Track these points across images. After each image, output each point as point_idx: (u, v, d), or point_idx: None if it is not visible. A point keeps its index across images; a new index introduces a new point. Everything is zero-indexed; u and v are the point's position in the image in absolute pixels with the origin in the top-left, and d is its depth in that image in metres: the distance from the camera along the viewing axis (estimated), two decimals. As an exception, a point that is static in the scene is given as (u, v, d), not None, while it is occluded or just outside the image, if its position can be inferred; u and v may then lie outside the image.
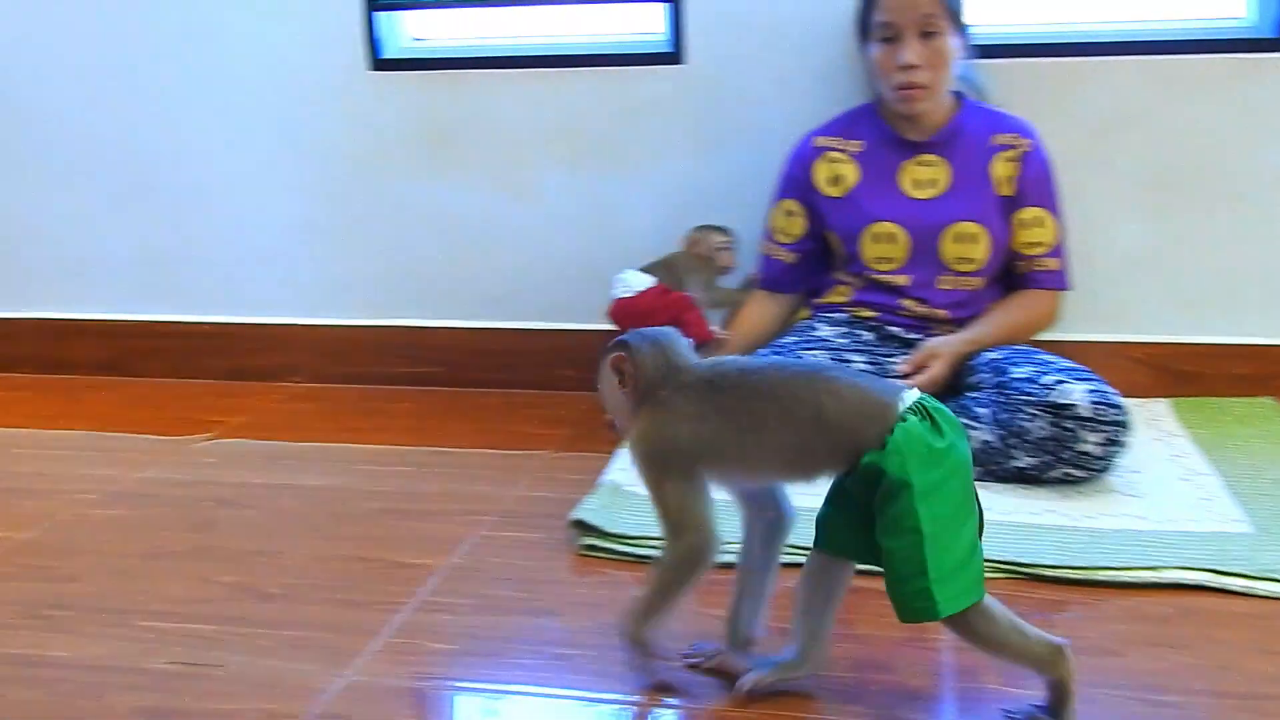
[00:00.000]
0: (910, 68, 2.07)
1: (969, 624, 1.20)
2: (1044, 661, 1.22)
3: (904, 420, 1.19)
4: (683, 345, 1.31)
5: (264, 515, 1.92)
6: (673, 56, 2.39)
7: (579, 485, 1.97)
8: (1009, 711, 1.26)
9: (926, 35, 2.07)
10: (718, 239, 2.33)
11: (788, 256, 2.26)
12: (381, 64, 2.48)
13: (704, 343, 2.22)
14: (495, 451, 2.20)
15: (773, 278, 2.28)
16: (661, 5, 2.40)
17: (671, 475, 1.26)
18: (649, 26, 2.44)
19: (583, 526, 1.76)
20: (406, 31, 2.54)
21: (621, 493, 1.87)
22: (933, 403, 1.23)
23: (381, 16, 2.47)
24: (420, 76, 2.49)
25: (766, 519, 1.34)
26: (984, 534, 1.23)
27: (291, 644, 1.49)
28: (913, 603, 1.19)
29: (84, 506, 1.96)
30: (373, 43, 2.47)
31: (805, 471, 1.24)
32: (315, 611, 1.57)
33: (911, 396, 1.22)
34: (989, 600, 1.21)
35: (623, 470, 1.96)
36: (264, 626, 1.54)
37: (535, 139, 2.48)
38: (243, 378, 2.68)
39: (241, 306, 2.67)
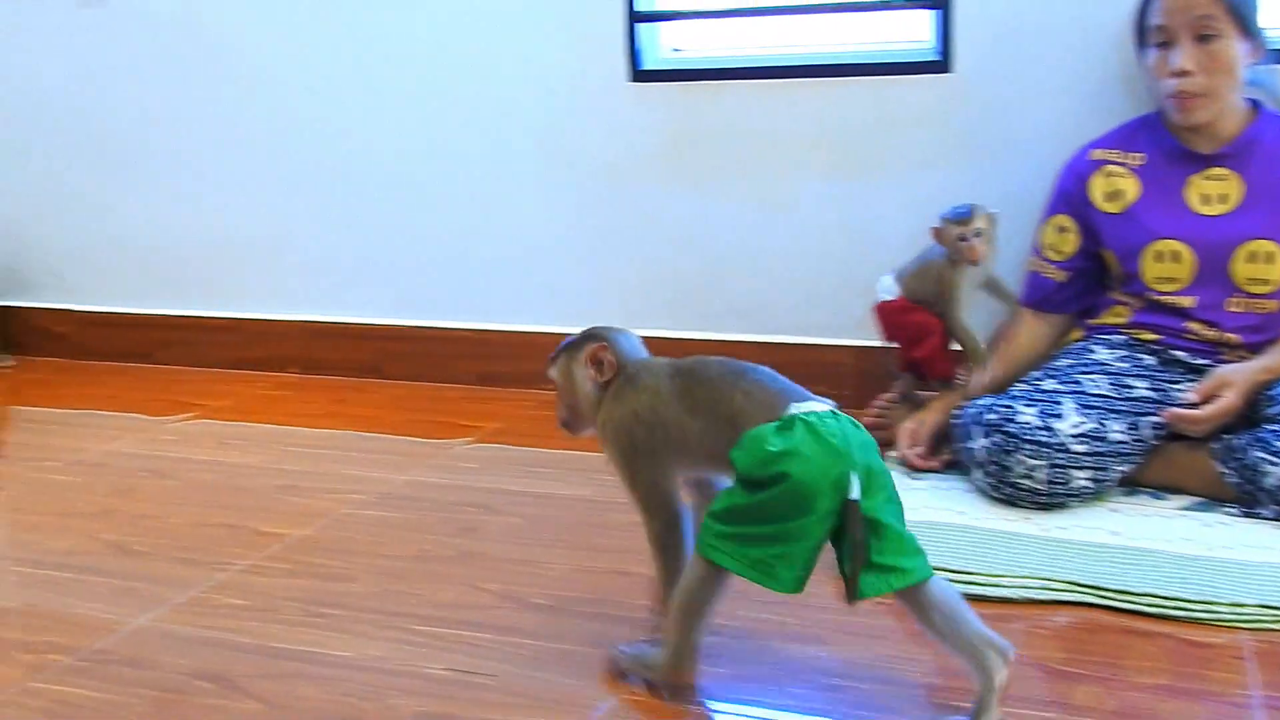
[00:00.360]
0: (1183, 74, 1.94)
1: (700, 571, 1.30)
2: (682, 660, 1.35)
3: (783, 421, 1.25)
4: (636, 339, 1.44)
5: (525, 523, 1.94)
6: (940, 65, 2.31)
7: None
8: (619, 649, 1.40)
9: (1203, 39, 1.94)
10: (963, 229, 2.05)
11: (1058, 275, 2.15)
12: (641, 75, 2.49)
13: (942, 378, 2.13)
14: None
15: (1041, 297, 2.18)
16: (928, 12, 2.32)
17: (639, 458, 1.36)
18: (914, 34, 2.37)
19: (848, 551, 1.71)
20: (665, 43, 2.54)
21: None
22: (825, 418, 1.26)
23: (642, 28, 2.48)
24: (678, 87, 2.49)
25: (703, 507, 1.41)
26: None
27: (560, 657, 1.49)
28: (698, 536, 1.32)
29: (354, 506, 2.02)
30: (633, 54, 2.48)
31: (720, 464, 1.32)
32: (580, 625, 1.57)
33: (815, 406, 1.28)
34: (724, 584, 1.30)
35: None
36: (532, 638, 1.54)
37: (792, 150, 2.44)
38: (495, 383, 2.73)
39: (495, 313, 2.72)
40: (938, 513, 1.84)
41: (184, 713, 1.39)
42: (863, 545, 1.24)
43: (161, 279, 3.01)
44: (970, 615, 1.28)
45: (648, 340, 2.57)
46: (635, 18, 2.47)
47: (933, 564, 1.29)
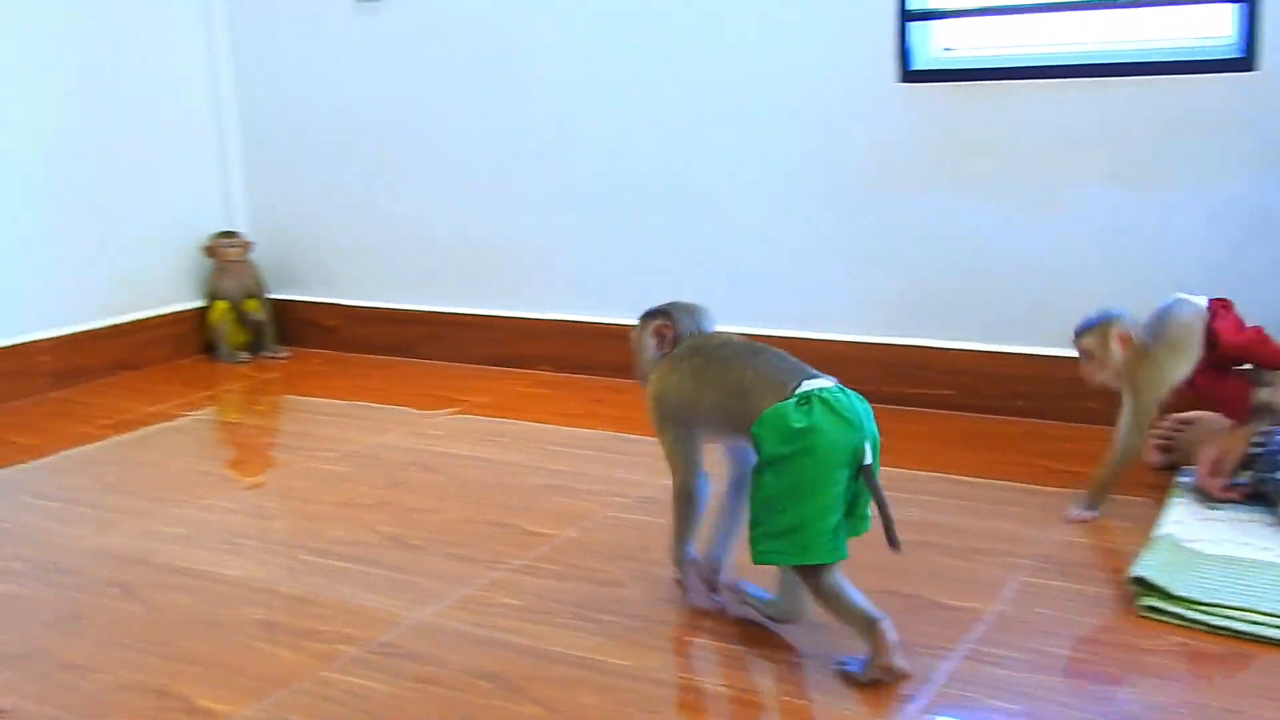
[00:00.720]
0: None
1: (809, 580, 1.43)
2: (861, 627, 1.42)
3: (793, 398, 1.40)
4: (707, 317, 1.62)
5: (449, 480, 1.92)
6: (1243, 63, 2.16)
7: (1124, 534, 1.82)
8: (840, 661, 1.45)
9: None
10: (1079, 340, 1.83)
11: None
12: (911, 75, 2.42)
13: (1242, 418, 1.91)
14: (1018, 486, 2.08)
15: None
16: (1230, 6, 2.17)
17: (667, 423, 1.58)
18: (1210, 30, 2.23)
19: (1144, 585, 1.61)
20: (936, 42, 2.46)
21: (1182, 549, 1.70)
22: (836, 393, 1.41)
23: (913, 27, 2.41)
24: (949, 88, 2.41)
25: (737, 473, 1.58)
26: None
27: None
28: (750, 546, 1.45)
29: (618, 509, 2.03)
30: (903, 54, 2.42)
31: (736, 432, 1.49)
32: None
33: (818, 383, 1.42)
34: (831, 570, 1.42)
35: (1179, 523, 1.79)
36: (806, 657, 1.51)
37: (1070, 153, 2.33)
38: (748, 387, 2.71)
39: (753, 318, 2.68)
40: (1240, 548, 1.71)
41: (468, 712, 1.42)
42: (883, 502, 1.42)
43: (425, 276, 3.11)
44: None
45: (903, 349, 2.54)
46: (907, 16, 2.40)
47: (1237, 605, 1.21)
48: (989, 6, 2.38)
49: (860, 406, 1.43)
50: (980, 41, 2.45)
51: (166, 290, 3.25)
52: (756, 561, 1.45)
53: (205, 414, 2.80)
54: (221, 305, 3.21)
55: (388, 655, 1.55)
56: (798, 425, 1.39)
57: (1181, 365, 1.85)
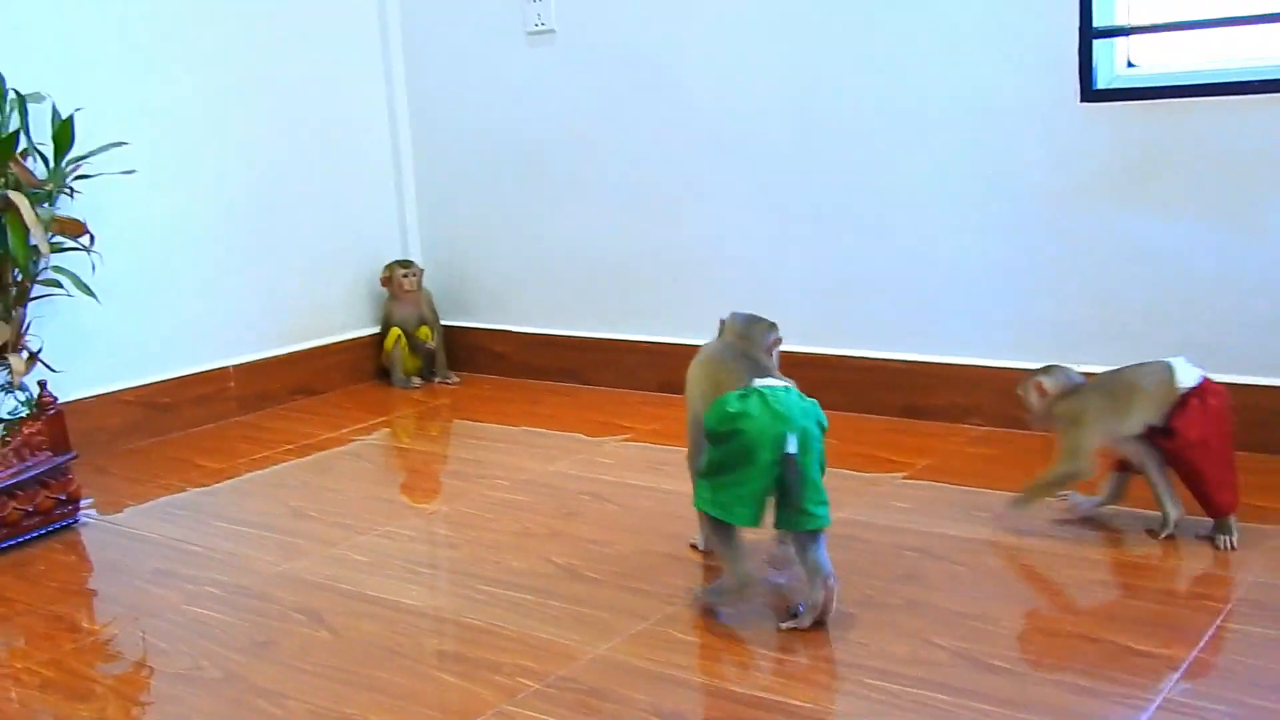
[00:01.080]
0: None
1: (718, 531, 1.70)
2: (735, 581, 1.71)
3: (744, 390, 1.65)
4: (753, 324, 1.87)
5: (971, 573, 1.87)
6: None
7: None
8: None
9: None
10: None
11: None
12: (1094, 95, 2.35)
13: None
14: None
15: None
16: None
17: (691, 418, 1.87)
18: None
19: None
20: (1120, 59, 2.39)
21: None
22: (777, 391, 1.64)
23: (1098, 44, 2.34)
24: (1135, 107, 2.33)
25: None
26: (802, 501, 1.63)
27: (1029, 729, 1.42)
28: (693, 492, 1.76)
29: (791, 543, 2.01)
30: (1087, 73, 2.35)
31: None
32: (1046, 693, 1.49)
33: (768, 382, 1.65)
34: (737, 530, 1.69)
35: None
36: (995, 704, 1.47)
37: (1269, 172, 2.23)
38: (918, 416, 2.67)
39: (924, 342, 2.66)
40: None
41: (649, 751, 1.42)
42: (795, 491, 1.63)
43: (594, 301, 3.15)
44: (822, 552, 1.68)
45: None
46: (1091, 34, 2.33)
47: None
48: (1177, 21, 2.30)
49: (798, 405, 1.65)
50: (1167, 57, 2.37)
51: (342, 318, 3.36)
52: (695, 506, 1.76)
53: (380, 439, 2.87)
54: (395, 332, 3.30)
55: (567, 690, 1.57)
56: (731, 410, 1.64)
57: (1120, 420, 1.91)
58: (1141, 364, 1.94)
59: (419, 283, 3.32)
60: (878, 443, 2.53)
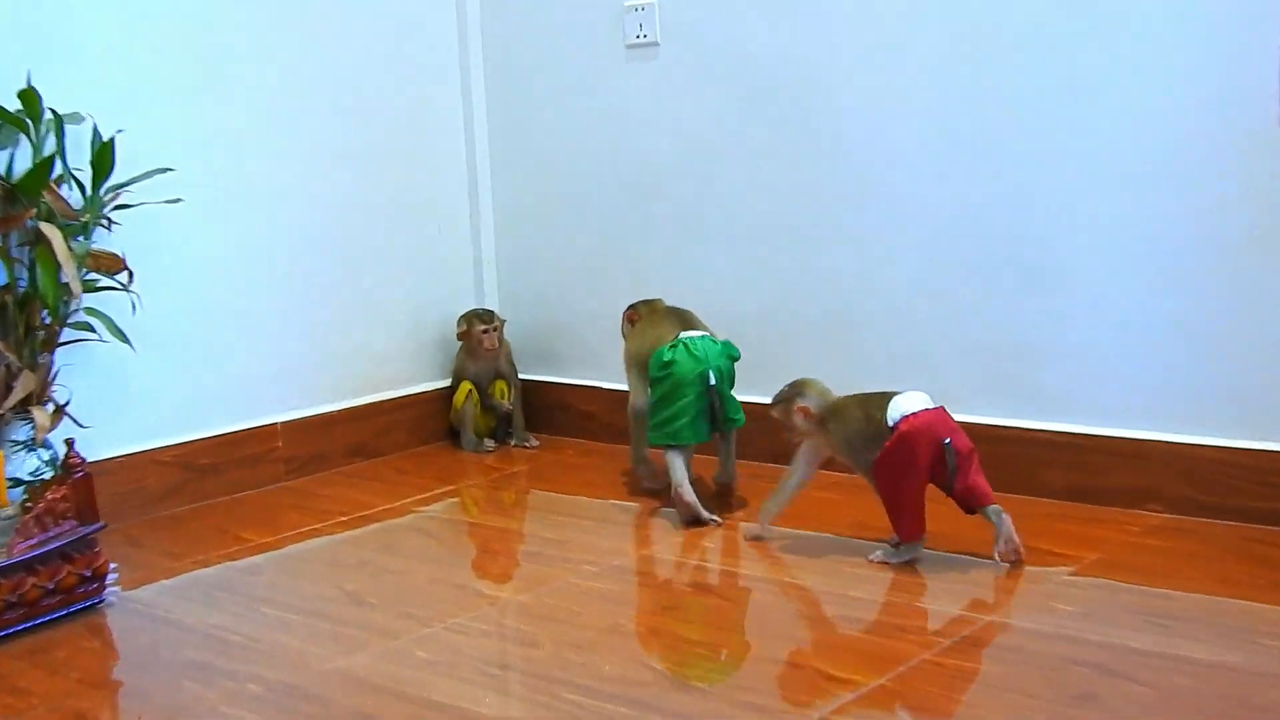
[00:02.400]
0: None
1: (669, 455, 2.62)
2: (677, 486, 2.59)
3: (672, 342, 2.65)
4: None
5: (1158, 696, 1.78)
6: None
7: None
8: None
9: None
10: None
11: None
12: (1303, 121, 2.28)
13: None
14: None
15: None
16: None
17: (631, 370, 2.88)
18: None
19: None
20: (1335, 79, 2.31)
21: None
22: (695, 340, 2.64)
23: (1308, 62, 2.27)
24: (1353, 135, 2.25)
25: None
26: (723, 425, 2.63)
27: None
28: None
29: (935, 651, 1.94)
30: (1295, 95, 2.27)
31: None
32: None
33: (692, 334, 2.67)
34: (682, 450, 2.61)
35: None
36: None
37: None
38: (1087, 499, 2.60)
39: (1093, 413, 2.58)
40: None
41: None
42: (719, 409, 2.63)
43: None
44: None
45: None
46: (1300, 50, 2.26)
47: None
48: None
49: (714, 348, 2.65)
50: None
51: (407, 370, 3.38)
52: (650, 444, 2.71)
53: (448, 511, 2.87)
54: (466, 387, 3.29)
55: (673, 826, 1.51)
56: (664, 359, 2.62)
57: (844, 439, 2.36)
58: (877, 395, 2.34)
59: (500, 338, 3.31)
60: (1039, 530, 2.45)
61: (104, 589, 2.31)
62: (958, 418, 2.68)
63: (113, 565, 2.34)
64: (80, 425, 2.56)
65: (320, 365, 3.19)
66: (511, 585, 2.36)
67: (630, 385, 2.84)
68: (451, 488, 3.03)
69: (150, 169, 2.63)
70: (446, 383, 3.42)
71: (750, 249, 3.04)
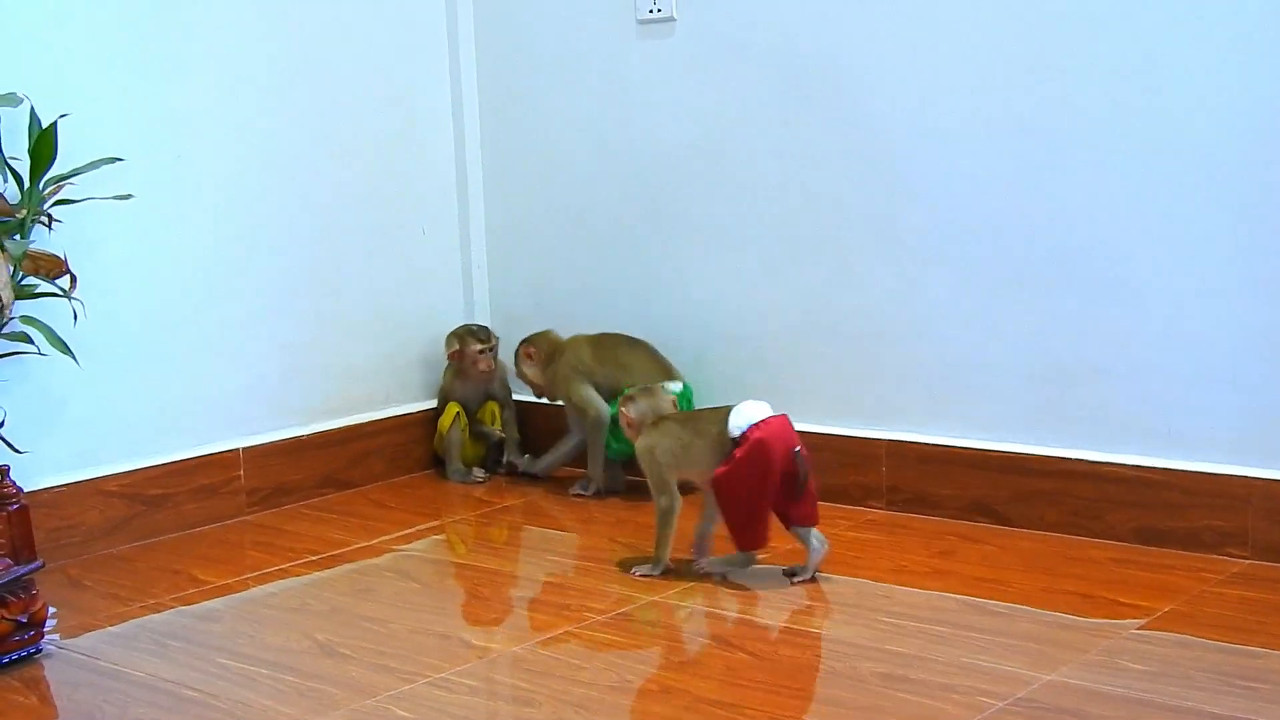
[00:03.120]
0: None
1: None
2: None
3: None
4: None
5: None
6: None
7: None
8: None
9: None
10: None
11: None
12: None
13: None
14: None
15: None
16: None
17: None
18: None
19: None
20: None
21: None
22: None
23: None
24: None
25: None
26: None
27: None
28: None
29: (988, 715, 1.94)
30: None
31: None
32: None
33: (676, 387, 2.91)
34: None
35: None
36: None
37: None
38: (1158, 542, 2.61)
39: (1167, 445, 2.59)
40: None
41: None
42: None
43: (718, 375, 3.11)
44: None
45: None
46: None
47: None
48: None
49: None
50: None
51: (385, 389, 3.39)
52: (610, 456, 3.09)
53: (430, 550, 2.88)
54: (453, 409, 3.30)
55: None
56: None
57: (689, 460, 2.56)
58: (718, 409, 2.53)
59: (496, 359, 3.32)
60: (1103, 577, 2.47)
61: (41, 637, 2.31)
62: (1008, 448, 2.75)
63: (51, 610, 2.33)
64: (15, 450, 2.56)
65: (288, 383, 3.19)
66: (503, 635, 2.36)
67: (584, 399, 3.09)
68: (436, 523, 3.03)
69: (97, 159, 2.63)
70: (432, 404, 3.42)
71: (774, 255, 3.04)
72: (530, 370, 3.22)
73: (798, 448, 2.46)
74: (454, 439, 3.31)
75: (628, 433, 2.65)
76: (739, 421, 2.45)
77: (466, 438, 3.32)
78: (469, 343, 3.29)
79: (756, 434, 2.43)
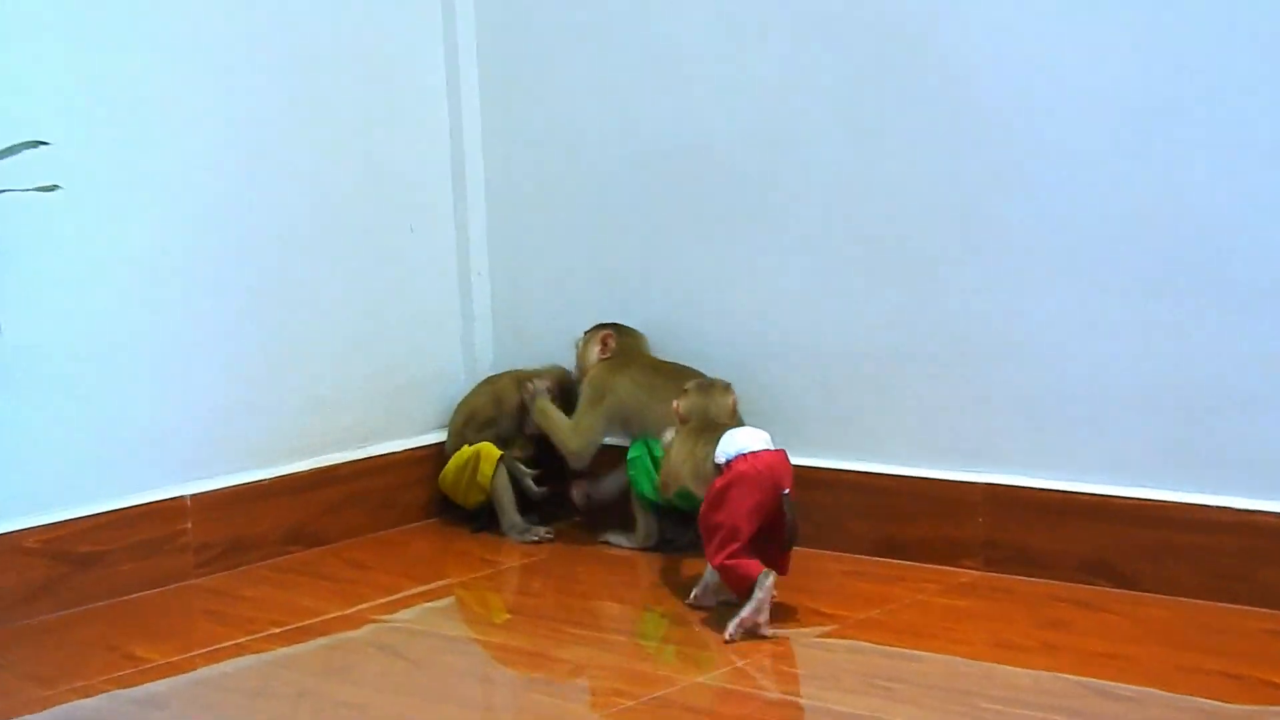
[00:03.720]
0: None
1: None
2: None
3: None
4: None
5: None
6: None
7: None
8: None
9: None
10: None
11: None
12: None
13: None
14: None
15: None
16: None
17: None
18: None
19: None
20: None
21: None
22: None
23: None
24: None
25: None
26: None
27: None
28: None
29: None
30: None
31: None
32: None
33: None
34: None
35: None
36: None
37: None
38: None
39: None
40: None
41: None
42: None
43: (773, 403, 3.08)
44: None
45: None
46: None
47: None
48: None
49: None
50: None
51: (367, 422, 3.38)
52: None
53: (421, 621, 2.86)
54: (492, 454, 3.26)
55: None
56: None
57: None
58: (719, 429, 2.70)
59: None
60: (1254, 653, 2.45)
61: (-56, 729, 2.29)
62: (1130, 493, 2.75)
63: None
64: (-86, 498, 2.54)
65: (247, 415, 3.18)
66: (521, 730, 2.35)
67: (579, 426, 3.19)
68: (429, 587, 3.02)
69: (15, 143, 2.60)
70: (423, 440, 3.43)
71: (841, 258, 3.03)
72: (591, 356, 3.21)
73: (786, 490, 2.58)
74: (503, 487, 3.27)
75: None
76: (727, 448, 2.62)
77: (467, 478, 3.28)
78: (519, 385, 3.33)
79: (741, 465, 2.59)
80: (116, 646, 2.69)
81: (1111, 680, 2.35)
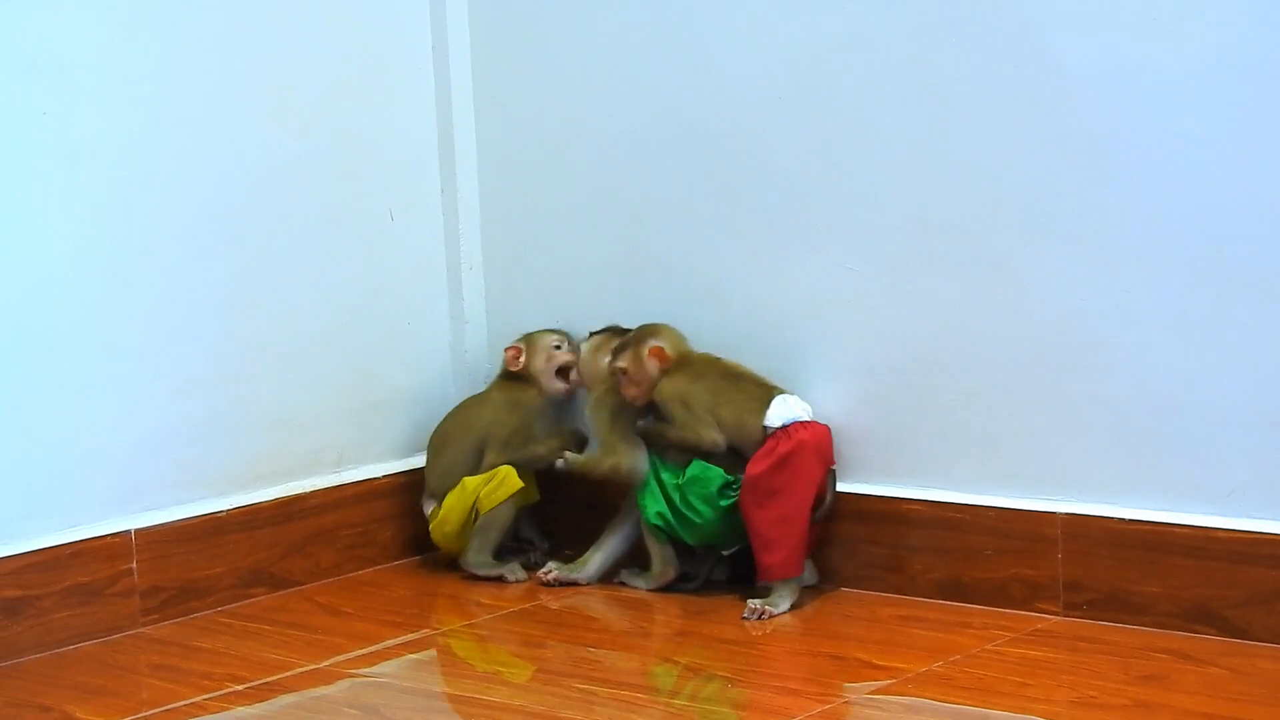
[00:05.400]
0: None
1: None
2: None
3: None
4: None
5: None
6: None
7: None
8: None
9: None
10: None
11: None
12: None
13: None
14: None
15: None
16: None
17: None
18: None
19: None
20: None
21: None
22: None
23: None
24: None
25: None
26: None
27: None
28: None
29: None
30: None
31: None
32: None
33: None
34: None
35: None
36: None
37: None
38: None
39: None
40: None
41: None
42: None
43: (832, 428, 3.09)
44: None
45: None
46: None
47: None
48: None
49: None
50: None
51: (341, 443, 3.40)
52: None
53: (406, 674, 2.87)
54: (513, 478, 3.27)
55: None
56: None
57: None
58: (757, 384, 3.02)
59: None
60: None
61: None
62: (1243, 524, 2.75)
63: None
64: None
65: (200, 438, 3.19)
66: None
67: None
68: (414, 637, 3.03)
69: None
70: (405, 464, 3.46)
71: (897, 250, 3.05)
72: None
73: (834, 466, 2.80)
74: (503, 523, 3.29)
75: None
76: (783, 413, 2.90)
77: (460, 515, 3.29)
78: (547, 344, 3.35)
79: (803, 434, 2.87)
80: (50, 708, 2.70)
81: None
